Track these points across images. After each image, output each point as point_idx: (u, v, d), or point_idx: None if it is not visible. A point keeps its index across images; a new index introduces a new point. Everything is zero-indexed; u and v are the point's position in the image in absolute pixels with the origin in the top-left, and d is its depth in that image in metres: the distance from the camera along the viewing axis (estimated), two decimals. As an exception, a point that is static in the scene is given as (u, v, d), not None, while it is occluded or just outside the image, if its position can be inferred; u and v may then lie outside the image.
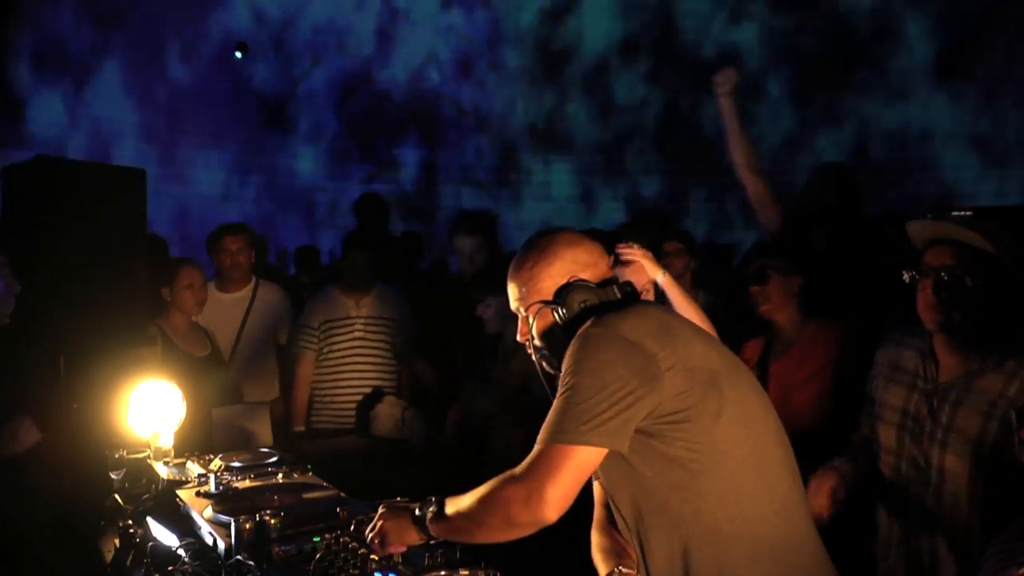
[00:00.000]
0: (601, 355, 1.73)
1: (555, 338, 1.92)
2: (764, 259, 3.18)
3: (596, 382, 1.71)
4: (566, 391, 1.74)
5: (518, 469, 1.74)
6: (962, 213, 3.67)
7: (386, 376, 4.27)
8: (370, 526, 1.97)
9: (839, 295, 3.26)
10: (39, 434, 2.83)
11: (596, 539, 2.02)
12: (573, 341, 1.80)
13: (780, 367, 3.10)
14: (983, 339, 2.23)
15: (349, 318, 4.23)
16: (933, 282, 2.22)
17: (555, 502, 1.68)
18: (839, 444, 2.55)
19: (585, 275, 1.93)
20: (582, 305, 1.89)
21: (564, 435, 1.70)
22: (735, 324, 3.15)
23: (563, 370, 1.78)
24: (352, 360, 4.22)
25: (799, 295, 3.13)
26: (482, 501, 1.78)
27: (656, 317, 1.84)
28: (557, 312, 1.90)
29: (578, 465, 1.70)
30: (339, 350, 4.21)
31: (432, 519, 1.87)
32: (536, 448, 1.74)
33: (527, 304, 1.96)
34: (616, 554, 1.95)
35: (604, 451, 1.72)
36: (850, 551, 2.41)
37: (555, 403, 1.76)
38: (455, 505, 1.85)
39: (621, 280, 1.96)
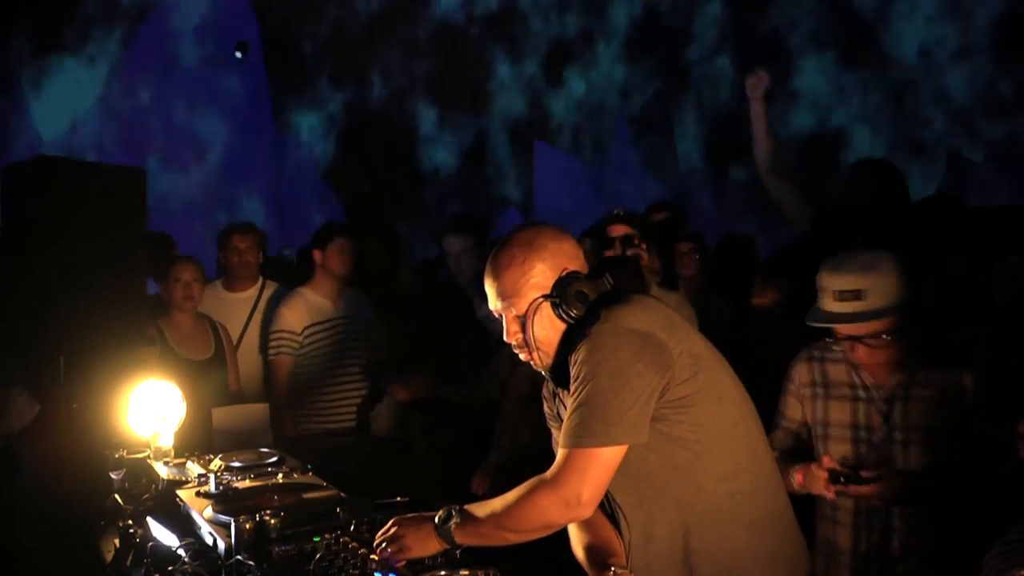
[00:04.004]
0: (620, 354, 1.74)
1: (554, 334, 1.89)
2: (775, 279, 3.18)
3: (617, 382, 1.73)
4: (588, 393, 1.74)
5: (548, 475, 1.78)
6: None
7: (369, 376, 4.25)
8: (382, 535, 1.95)
9: None
10: (36, 406, 2.78)
11: (578, 535, 1.99)
12: (584, 342, 1.78)
13: None
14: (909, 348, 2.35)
15: (331, 320, 4.18)
16: (852, 346, 2.32)
17: (591, 501, 1.77)
18: None
19: (572, 267, 1.90)
20: (581, 298, 1.85)
21: (592, 438, 1.73)
22: (750, 330, 3.14)
23: (577, 371, 1.78)
24: (341, 361, 4.19)
25: None
26: (516, 509, 1.80)
27: (658, 308, 1.87)
28: (560, 307, 1.86)
29: (607, 463, 1.75)
30: (328, 352, 4.17)
31: (459, 528, 1.86)
32: (563, 452, 1.77)
33: (522, 301, 1.89)
34: (599, 548, 1.93)
35: (628, 444, 1.76)
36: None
37: (576, 406, 1.76)
38: (482, 513, 1.86)
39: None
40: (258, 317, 4.36)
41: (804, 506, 2.31)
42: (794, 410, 2.49)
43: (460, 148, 10.94)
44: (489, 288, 1.94)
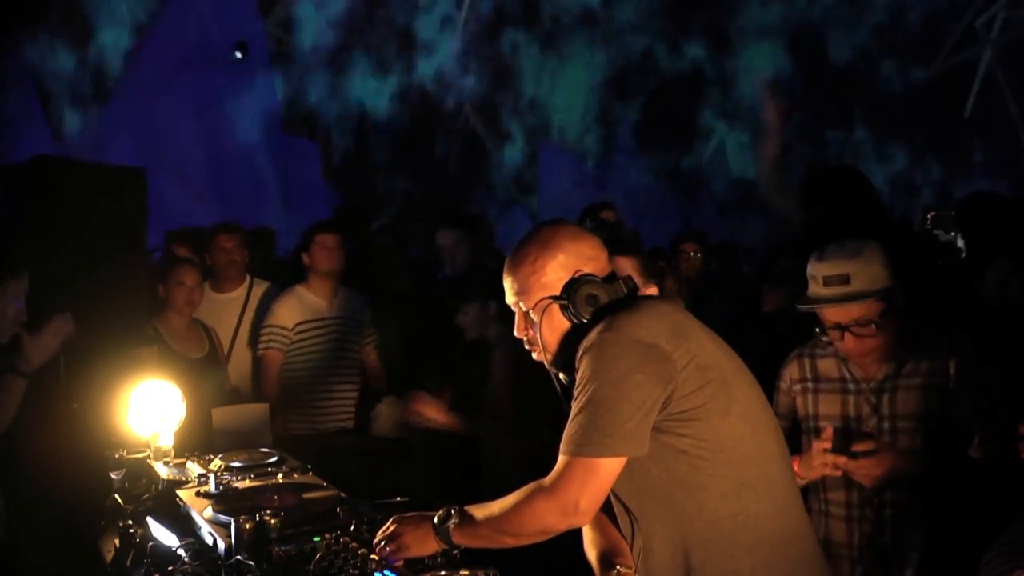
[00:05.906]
0: (620, 364, 1.72)
1: (562, 335, 1.89)
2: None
3: (617, 392, 1.71)
4: (587, 402, 1.73)
5: (547, 481, 1.77)
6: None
7: (360, 376, 4.25)
8: (381, 534, 1.95)
9: None
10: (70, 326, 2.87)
11: (589, 534, 2.01)
12: (588, 347, 1.77)
13: None
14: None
15: (324, 319, 4.17)
16: (840, 335, 2.31)
17: (589, 510, 1.76)
18: None
19: (588, 269, 1.89)
20: (591, 301, 1.84)
21: (591, 448, 1.72)
22: (750, 328, 3.11)
23: (580, 377, 1.77)
24: (332, 361, 4.17)
25: None
26: (514, 514, 1.80)
27: (669, 316, 1.83)
28: (568, 309, 1.86)
29: (606, 474, 1.74)
30: (318, 350, 4.15)
31: (457, 529, 1.87)
32: (562, 460, 1.76)
33: (530, 300, 1.90)
34: (610, 550, 1.94)
35: (627, 456, 1.75)
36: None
37: (575, 413, 1.76)
38: (480, 515, 1.85)
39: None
40: (248, 316, 4.34)
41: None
42: (781, 407, 2.51)
43: (463, 147, 10.96)
44: (505, 282, 1.95)
